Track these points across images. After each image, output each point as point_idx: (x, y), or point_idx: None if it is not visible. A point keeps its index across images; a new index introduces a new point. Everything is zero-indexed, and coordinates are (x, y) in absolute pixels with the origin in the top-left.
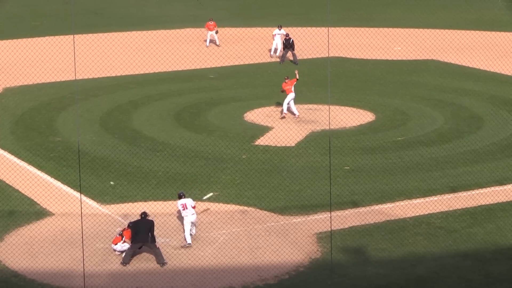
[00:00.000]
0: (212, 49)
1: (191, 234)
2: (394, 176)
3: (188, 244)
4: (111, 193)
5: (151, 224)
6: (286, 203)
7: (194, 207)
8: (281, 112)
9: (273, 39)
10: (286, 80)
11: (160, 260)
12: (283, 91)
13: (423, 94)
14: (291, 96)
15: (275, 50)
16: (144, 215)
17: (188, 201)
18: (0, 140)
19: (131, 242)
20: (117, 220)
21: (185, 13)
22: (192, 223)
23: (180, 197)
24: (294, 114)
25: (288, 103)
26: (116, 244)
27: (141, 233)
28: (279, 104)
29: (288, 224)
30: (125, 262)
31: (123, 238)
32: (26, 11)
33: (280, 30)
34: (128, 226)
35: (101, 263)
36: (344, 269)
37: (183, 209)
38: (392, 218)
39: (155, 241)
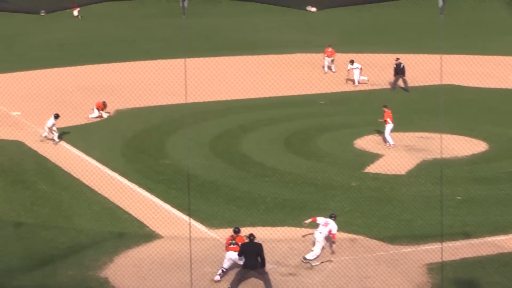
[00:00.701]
0: (324, 75)
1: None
2: (508, 208)
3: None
4: (220, 217)
5: (260, 248)
6: (396, 233)
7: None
8: (387, 143)
9: (351, 72)
10: (385, 110)
11: (268, 287)
12: (383, 120)
13: None
14: (390, 126)
15: (356, 80)
16: (252, 237)
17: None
18: (111, 162)
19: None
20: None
21: (296, 38)
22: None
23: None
24: (389, 143)
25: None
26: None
27: (251, 257)
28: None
29: (398, 254)
30: (232, 287)
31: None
32: (139, 34)
33: (353, 65)
34: (234, 231)
35: None
36: None
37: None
38: (506, 251)
39: (264, 266)
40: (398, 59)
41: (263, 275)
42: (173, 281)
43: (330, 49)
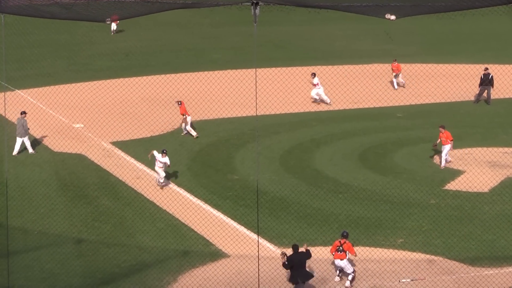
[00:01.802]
0: (401, 87)
1: None
2: None
3: None
4: (290, 235)
5: (307, 257)
6: (478, 254)
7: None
8: (441, 164)
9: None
10: (442, 130)
11: None
12: (436, 145)
13: None
14: (448, 147)
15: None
16: (296, 248)
17: None
18: (177, 177)
19: (291, 281)
20: None
21: (373, 47)
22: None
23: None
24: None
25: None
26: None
27: (300, 269)
28: (469, 146)
29: (479, 276)
30: None
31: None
32: (207, 43)
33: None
34: (342, 235)
35: None
36: None
37: None
38: None
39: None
40: (486, 69)
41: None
42: None
43: (396, 64)
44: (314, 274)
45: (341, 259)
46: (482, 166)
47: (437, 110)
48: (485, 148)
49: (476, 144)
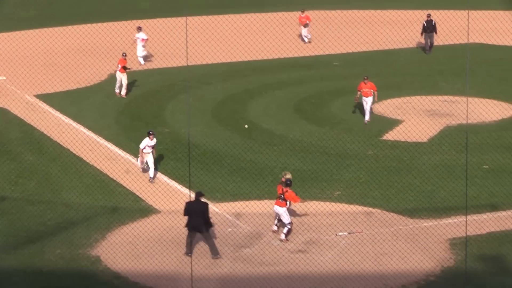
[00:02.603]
0: (338, 33)
1: None
2: None
3: None
4: (223, 190)
5: (204, 208)
6: (416, 205)
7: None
8: (365, 118)
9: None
10: (366, 81)
11: (213, 253)
12: (357, 98)
13: None
14: (371, 99)
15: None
16: (199, 195)
17: None
18: (104, 130)
19: (187, 228)
20: (228, 220)
21: None
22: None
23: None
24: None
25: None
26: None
27: (195, 218)
28: (408, 95)
29: (418, 228)
30: (187, 253)
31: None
32: None
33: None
34: (286, 183)
35: (210, 266)
36: (480, 280)
37: None
38: None
39: (209, 229)
40: (429, 15)
41: (208, 240)
42: (171, 259)
43: (304, 15)
44: (213, 228)
45: (281, 207)
46: (420, 115)
47: (375, 58)
48: (424, 97)
49: (414, 93)
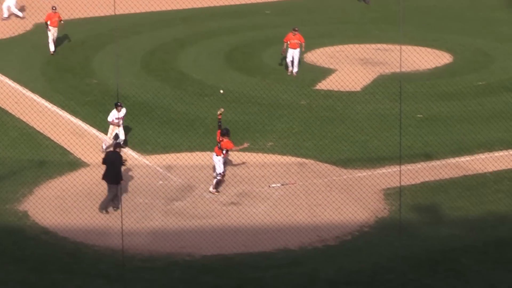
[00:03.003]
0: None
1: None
2: (474, 126)
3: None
4: (154, 142)
5: (118, 158)
6: (350, 155)
7: None
8: (288, 70)
9: None
10: (294, 32)
11: (115, 204)
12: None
13: (509, 32)
14: (298, 51)
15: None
16: (118, 146)
17: None
18: (30, 82)
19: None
20: (159, 172)
21: None
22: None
23: None
24: (291, 70)
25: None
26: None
27: (111, 169)
28: (341, 43)
29: (351, 178)
30: (101, 208)
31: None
32: None
33: None
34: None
35: (141, 220)
36: (415, 230)
37: None
38: (470, 173)
39: (119, 182)
40: None
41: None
42: (101, 214)
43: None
44: (121, 181)
45: (217, 155)
46: (354, 64)
47: (307, 6)
48: (357, 45)
49: (347, 41)
